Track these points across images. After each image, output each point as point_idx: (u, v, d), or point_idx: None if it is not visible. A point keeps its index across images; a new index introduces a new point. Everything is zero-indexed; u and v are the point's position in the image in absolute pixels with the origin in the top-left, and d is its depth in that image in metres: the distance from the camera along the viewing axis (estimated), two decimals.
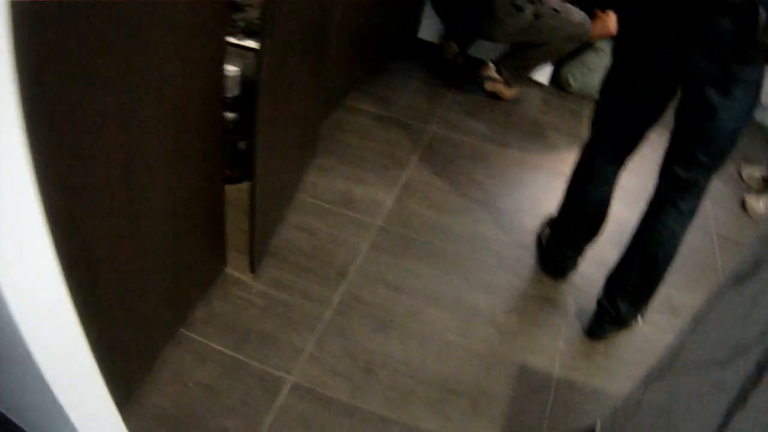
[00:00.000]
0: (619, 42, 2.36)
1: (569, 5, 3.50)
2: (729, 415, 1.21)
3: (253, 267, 2.54)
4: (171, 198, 1.90)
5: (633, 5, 2.16)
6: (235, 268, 2.56)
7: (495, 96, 3.86)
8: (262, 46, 1.96)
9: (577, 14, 3.50)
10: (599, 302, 2.52)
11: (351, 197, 2.99)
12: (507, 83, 3.77)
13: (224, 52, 1.96)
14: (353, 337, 2.40)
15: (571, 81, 4.05)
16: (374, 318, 2.48)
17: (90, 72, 1.31)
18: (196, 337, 2.30)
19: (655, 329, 2.61)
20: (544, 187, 3.24)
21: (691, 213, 2.28)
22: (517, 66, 3.71)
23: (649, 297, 2.48)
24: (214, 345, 2.28)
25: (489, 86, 3.80)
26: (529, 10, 3.35)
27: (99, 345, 1.50)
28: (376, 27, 3.58)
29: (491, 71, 3.73)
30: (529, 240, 2.94)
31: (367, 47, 3.57)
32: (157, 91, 1.60)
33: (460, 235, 2.90)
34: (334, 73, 3.10)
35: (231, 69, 2.51)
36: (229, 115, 2.57)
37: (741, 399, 1.18)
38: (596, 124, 2.43)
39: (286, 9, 2.00)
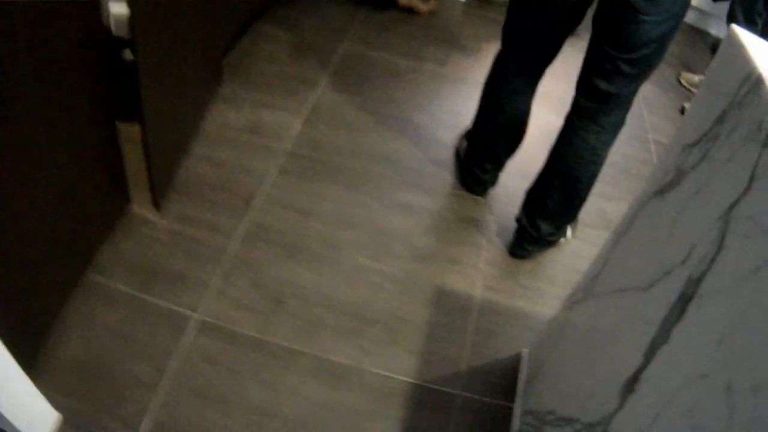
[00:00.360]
0: None
1: None
2: (652, 348, 1.03)
3: (157, 203, 2.32)
4: (57, 138, 1.75)
5: None
6: (141, 206, 2.34)
7: (411, 11, 3.57)
8: None
9: None
10: (518, 221, 2.32)
11: (258, 124, 2.72)
12: None
13: None
14: (261, 268, 2.20)
15: None
16: (283, 246, 2.27)
17: None
18: (102, 279, 2.13)
19: (586, 245, 2.43)
20: (464, 99, 2.97)
21: (614, 128, 2.04)
22: None
23: (571, 216, 2.29)
24: (120, 287, 2.12)
25: (404, 1, 3.51)
26: None
27: None
28: None
29: None
30: (448, 155, 2.72)
31: None
32: (23, 28, 1.45)
33: (374, 155, 2.67)
34: None
35: (119, 9, 2.25)
36: (129, 53, 2.30)
37: (664, 331, 1.00)
38: (507, 34, 2.16)
39: None
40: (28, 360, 1.83)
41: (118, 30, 2.20)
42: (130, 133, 2.21)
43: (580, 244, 2.42)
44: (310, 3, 3.57)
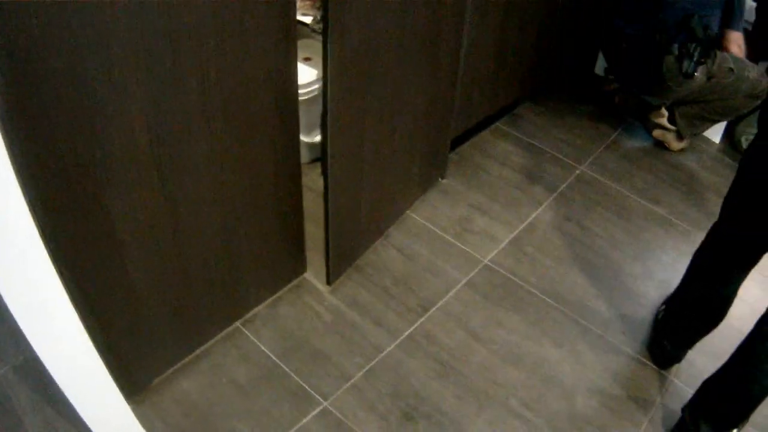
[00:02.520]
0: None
1: (744, 60, 2.94)
2: None
3: (329, 278, 2.33)
4: (246, 192, 1.92)
5: None
6: (317, 277, 2.37)
7: (661, 145, 3.31)
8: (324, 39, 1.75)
9: (754, 70, 2.93)
10: (683, 412, 1.98)
11: (467, 227, 2.64)
12: (679, 135, 3.23)
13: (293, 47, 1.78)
14: (407, 378, 2.10)
15: (745, 143, 3.31)
16: (439, 362, 2.15)
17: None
18: (248, 334, 2.19)
19: None
20: (686, 257, 2.54)
21: None
22: (692, 117, 3.15)
23: (740, 421, 1.90)
24: (262, 347, 2.16)
25: (657, 134, 3.22)
26: (700, 73, 2.83)
27: (124, 325, 1.79)
28: (544, 48, 3.16)
29: (663, 119, 3.19)
30: (645, 315, 2.40)
31: (529, 69, 3.18)
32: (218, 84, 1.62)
33: (569, 293, 2.44)
34: (476, 89, 2.80)
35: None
36: None
37: None
38: (730, 209, 1.88)
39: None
40: (143, 384, 2.02)
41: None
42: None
43: None
44: (559, 109, 3.44)
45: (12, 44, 1.16)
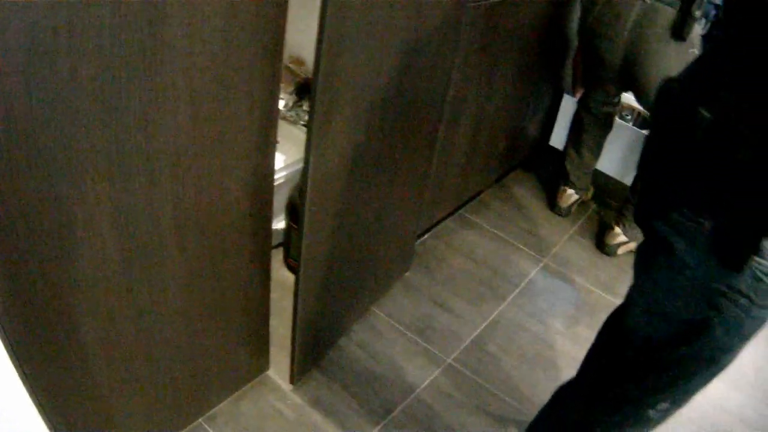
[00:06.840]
0: None
1: None
2: None
3: (293, 378, 2.35)
4: (215, 294, 1.91)
5: None
6: (279, 374, 2.39)
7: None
8: (308, 131, 1.74)
9: None
10: None
11: (430, 324, 2.68)
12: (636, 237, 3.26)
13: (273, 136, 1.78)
14: None
15: None
16: None
17: None
18: (210, 431, 2.18)
19: None
20: None
21: None
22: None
23: None
24: None
25: (622, 251, 3.26)
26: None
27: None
28: (505, 129, 3.19)
29: (618, 236, 3.23)
30: None
31: (493, 154, 3.22)
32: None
33: (530, 394, 2.47)
34: (446, 181, 2.87)
35: None
36: None
37: None
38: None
39: (348, 93, 1.80)
40: None
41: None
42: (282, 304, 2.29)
43: None
44: (523, 195, 3.52)
45: None
